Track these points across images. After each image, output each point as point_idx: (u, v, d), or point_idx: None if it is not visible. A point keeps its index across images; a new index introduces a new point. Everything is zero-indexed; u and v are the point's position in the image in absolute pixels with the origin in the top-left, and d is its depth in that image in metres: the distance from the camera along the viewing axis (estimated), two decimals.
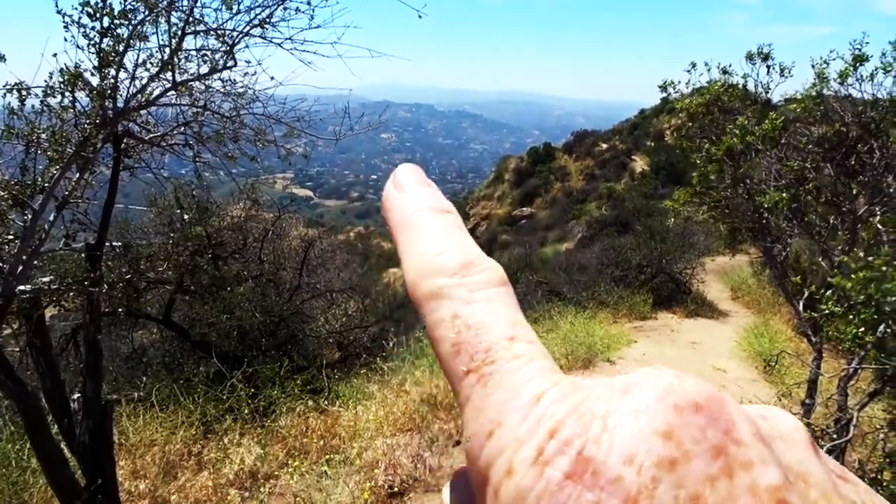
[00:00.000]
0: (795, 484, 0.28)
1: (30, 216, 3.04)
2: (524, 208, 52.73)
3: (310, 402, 7.20)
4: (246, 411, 7.02)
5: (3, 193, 3.01)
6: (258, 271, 8.83)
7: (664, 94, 5.71)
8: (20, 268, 2.96)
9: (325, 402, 7.38)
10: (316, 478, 5.62)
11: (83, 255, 3.65)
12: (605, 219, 36.13)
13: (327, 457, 5.95)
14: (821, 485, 0.29)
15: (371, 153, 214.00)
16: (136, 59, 3.37)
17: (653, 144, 54.77)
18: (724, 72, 5.43)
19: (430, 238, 0.38)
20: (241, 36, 3.47)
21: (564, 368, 9.45)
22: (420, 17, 3.78)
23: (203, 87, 3.78)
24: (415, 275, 0.37)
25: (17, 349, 3.79)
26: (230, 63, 3.53)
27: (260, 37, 3.48)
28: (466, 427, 0.33)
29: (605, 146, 57.65)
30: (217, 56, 3.51)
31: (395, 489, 5.18)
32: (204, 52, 3.47)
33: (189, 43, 3.45)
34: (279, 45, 3.51)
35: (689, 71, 5.59)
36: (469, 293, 0.35)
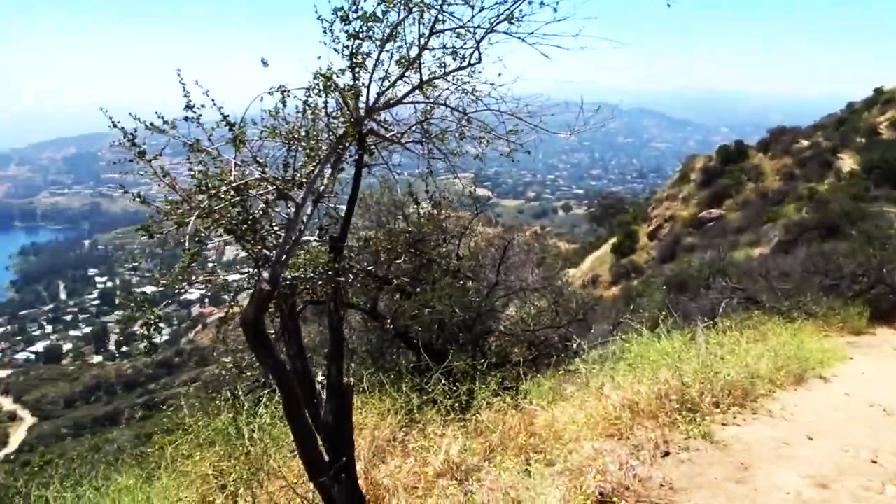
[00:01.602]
0: None
1: (293, 209, 3.29)
2: (712, 210, 49.71)
3: (507, 399, 7.21)
4: (448, 403, 7.16)
5: (270, 187, 3.28)
6: (456, 267, 9.04)
7: None
8: (284, 256, 3.22)
9: (523, 400, 7.36)
10: (519, 476, 5.60)
11: (327, 246, 3.89)
12: (806, 222, 33.22)
13: (530, 456, 5.91)
14: None
15: (549, 152, 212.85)
16: (389, 59, 3.53)
17: (864, 141, 49.29)
18: None
19: None
20: (487, 32, 3.52)
21: (775, 384, 8.71)
22: (669, 6, 3.61)
23: (438, 84, 3.87)
24: None
25: (272, 332, 4.14)
26: (474, 60, 3.59)
27: (505, 32, 3.52)
28: None
29: (805, 143, 52.75)
30: (462, 53, 3.58)
31: (607, 497, 5.02)
32: (452, 49, 3.56)
33: (432, 41, 3.55)
34: (522, 39, 3.51)
35: None
36: None
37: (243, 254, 3.65)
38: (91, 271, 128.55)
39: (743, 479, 5.73)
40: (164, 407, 8.45)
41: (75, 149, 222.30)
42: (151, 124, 3.17)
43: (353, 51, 3.50)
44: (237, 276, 3.73)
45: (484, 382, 7.42)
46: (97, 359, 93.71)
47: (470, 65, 3.62)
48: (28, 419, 74.52)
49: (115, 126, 3.01)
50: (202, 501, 5.81)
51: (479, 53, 3.58)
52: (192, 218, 2.97)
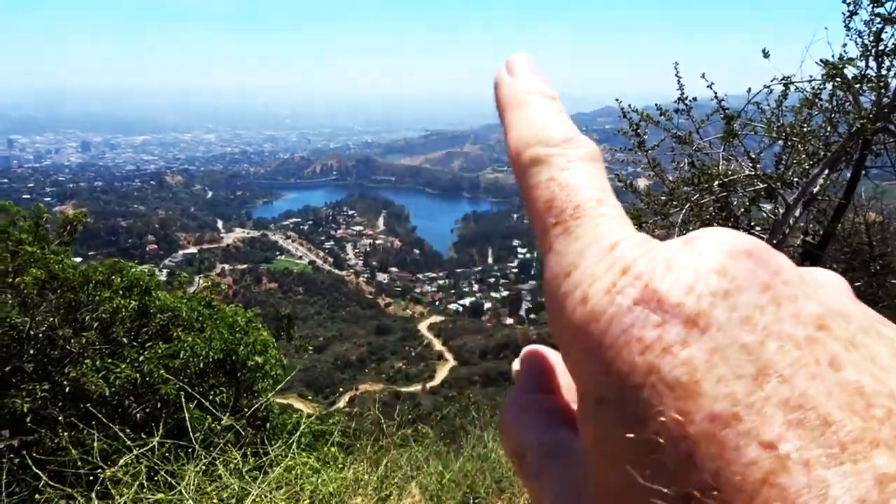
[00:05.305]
0: (836, 318, 0.30)
1: (782, 210, 3.05)
2: None
3: None
4: None
5: (760, 185, 3.08)
6: None
7: None
8: None
9: None
10: None
11: (800, 253, 3.54)
12: None
13: None
14: (860, 322, 0.31)
15: None
16: None
17: None
18: None
19: (537, 115, 0.41)
20: None
21: None
22: None
23: None
24: (519, 144, 0.40)
25: None
26: None
27: None
28: (546, 271, 0.35)
29: None
30: None
31: None
32: None
33: None
34: None
35: None
36: (567, 162, 0.38)
37: None
38: (514, 242, 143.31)
39: None
40: None
41: None
42: (648, 115, 3.24)
43: (877, 36, 3.05)
44: None
45: None
46: (509, 321, 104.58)
47: None
48: (451, 361, 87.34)
49: (624, 116, 3.15)
50: None
51: None
52: (683, 210, 2.96)
